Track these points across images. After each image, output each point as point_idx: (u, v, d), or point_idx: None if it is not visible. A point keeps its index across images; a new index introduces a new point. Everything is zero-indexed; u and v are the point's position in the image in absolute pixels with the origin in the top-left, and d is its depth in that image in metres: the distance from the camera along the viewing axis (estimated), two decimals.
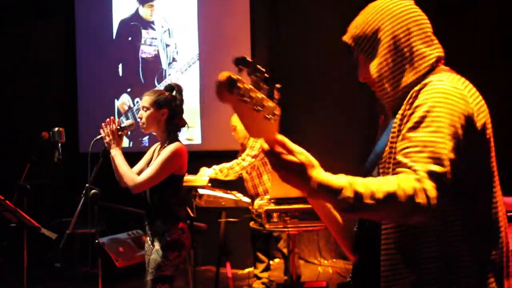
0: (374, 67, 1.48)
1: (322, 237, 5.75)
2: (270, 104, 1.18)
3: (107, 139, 2.86)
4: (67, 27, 7.11)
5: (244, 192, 4.78)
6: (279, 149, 1.19)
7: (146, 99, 2.90)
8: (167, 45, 6.52)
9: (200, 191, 4.28)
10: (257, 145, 4.80)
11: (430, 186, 1.20)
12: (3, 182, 4.30)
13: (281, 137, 1.20)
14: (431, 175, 1.21)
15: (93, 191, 2.85)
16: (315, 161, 1.22)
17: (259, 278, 5.00)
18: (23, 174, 3.70)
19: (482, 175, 1.37)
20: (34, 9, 6.90)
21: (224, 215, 4.56)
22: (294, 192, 3.85)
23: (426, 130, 1.28)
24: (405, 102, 1.39)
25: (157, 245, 2.81)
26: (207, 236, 4.59)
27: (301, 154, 1.21)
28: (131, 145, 6.68)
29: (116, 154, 2.83)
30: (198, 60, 6.29)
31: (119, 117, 6.69)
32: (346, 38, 1.56)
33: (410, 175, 1.22)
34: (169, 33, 6.51)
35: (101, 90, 6.85)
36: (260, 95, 1.17)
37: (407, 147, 1.29)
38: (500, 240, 1.38)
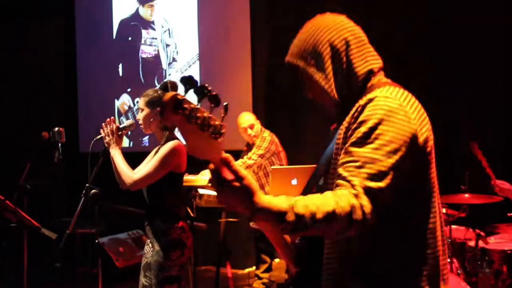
0: (321, 80, 1.47)
1: None
2: (217, 122, 1.18)
3: (107, 138, 2.86)
4: (67, 27, 7.11)
5: None
6: (225, 172, 1.20)
7: (141, 101, 2.92)
8: (167, 45, 6.52)
9: (200, 191, 4.29)
10: (264, 144, 4.81)
11: (366, 202, 1.25)
12: (3, 182, 4.30)
13: (226, 155, 1.21)
14: (368, 191, 1.27)
15: (93, 191, 2.85)
16: (256, 185, 1.23)
17: (260, 278, 5.00)
18: (23, 174, 3.69)
19: (419, 189, 1.40)
20: (34, 9, 6.90)
21: (224, 215, 4.56)
22: (294, 192, 3.86)
23: (368, 146, 1.31)
24: (349, 115, 1.42)
25: (157, 246, 2.79)
26: (207, 236, 4.60)
27: (245, 178, 1.21)
28: (131, 145, 6.68)
29: (115, 153, 2.83)
30: (198, 60, 6.29)
31: (119, 117, 6.69)
32: (290, 58, 1.55)
33: (347, 190, 1.27)
34: (169, 33, 6.51)
35: (101, 90, 6.85)
36: (207, 114, 1.17)
37: (348, 161, 1.32)
38: (431, 251, 1.41)
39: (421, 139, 1.36)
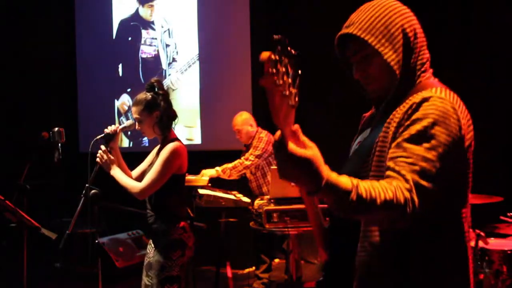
0: (394, 63, 1.45)
1: None
2: (294, 90, 1.10)
3: (102, 162, 2.85)
4: (67, 27, 7.11)
5: (245, 192, 4.78)
6: (290, 142, 1.14)
7: (135, 110, 2.87)
8: (167, 45, 6.52)
9: (200, 191, 4.29)
10: (261, 145, 4.81)
11: (416, 198, 1.27)
12: (3, 182, 4.30)
13: (296, 126, 1.17)
14: (419, 187, 1.28)
15: (93, 191, 2.85)
16: (321, 158, 1.19)
17: (259, 278, 5.00)
18: (23, 174, 3.69)
19: (458, 188, 1.46)
20: (34, 8, 6.90)
21: (224, 215, 4.56)
22: (294, 192, 3.85)
23: (423, 145, 1.32)
24: (401, 110, 1.41)
25: (158, 246, 2.81)
26: (207, 236, 4.58)
27: (312, 148, 1.18)
28: (131, 145, 6.69)
29: (115, 172, 2.84)
30: (198, 60, 6.29)
31: (119, 117, 6.69)
32: (357, 31, 1.48)
33: (401, 183, 1.28)
34: (169, 33, 6.51)
35: (101, 90, 6.85)
36: (288, 79, 1.09)
37: (400, 156, 1.33)
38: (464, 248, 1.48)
39: (466, 144, 1.40)
